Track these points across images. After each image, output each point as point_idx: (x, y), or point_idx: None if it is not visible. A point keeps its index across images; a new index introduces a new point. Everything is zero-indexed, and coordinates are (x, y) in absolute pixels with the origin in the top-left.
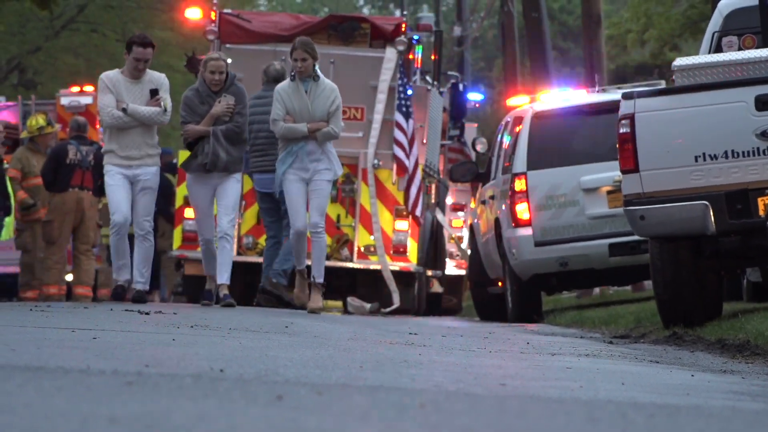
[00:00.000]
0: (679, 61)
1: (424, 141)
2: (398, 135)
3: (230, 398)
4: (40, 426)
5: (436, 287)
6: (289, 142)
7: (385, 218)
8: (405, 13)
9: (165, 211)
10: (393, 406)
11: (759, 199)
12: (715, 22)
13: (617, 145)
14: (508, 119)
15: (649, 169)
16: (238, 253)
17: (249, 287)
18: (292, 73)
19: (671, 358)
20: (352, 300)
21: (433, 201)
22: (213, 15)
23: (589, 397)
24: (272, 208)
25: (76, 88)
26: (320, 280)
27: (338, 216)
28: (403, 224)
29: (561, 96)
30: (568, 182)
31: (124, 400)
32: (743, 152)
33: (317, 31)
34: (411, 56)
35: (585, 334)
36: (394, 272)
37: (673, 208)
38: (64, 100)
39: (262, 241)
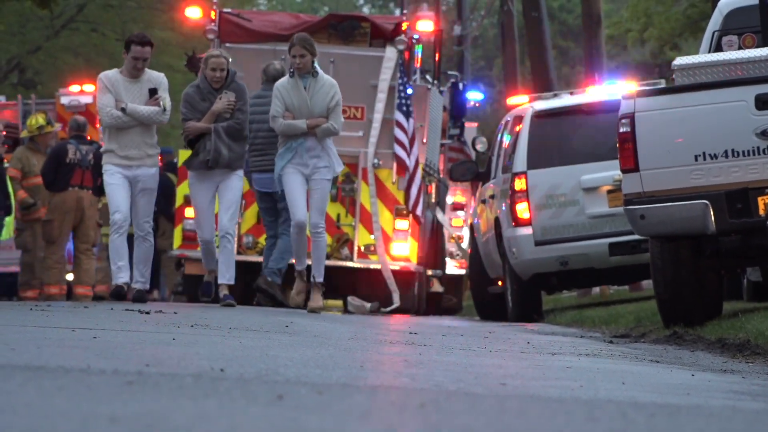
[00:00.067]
0: (679, 61)
1: (424, 140)
2: (399, 134)
3: (231, 398)
4: (41, 426)
5: (437, 287)
6: (288, 138)
7: (385, 217)
8: (405, 12)
9: (166, 211)
10: (393, 406)
11: (759, 199)
12: (715, 21)
13: (617, 145)
14: (508, 118)
15: (649, 168)
16: (238, 253)
17: (249, 287)
18: (291, 70)
19: (671, 358)
20: (352, 299)
21: (433, 200)
22: (213, 14)
23: (590, 397)
24: (271, 208)
25: (76, 87)
26: (320, 279)
27: (338, 215)
28: (403, 223)
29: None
30: (568, 181)
31: (125, 400)
32: (743, 151)
33: (317, 31)
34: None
35: (585, 333)
36: (394, 272)
37: (674, 207)
38: (64, 100)
39: (262, 240)
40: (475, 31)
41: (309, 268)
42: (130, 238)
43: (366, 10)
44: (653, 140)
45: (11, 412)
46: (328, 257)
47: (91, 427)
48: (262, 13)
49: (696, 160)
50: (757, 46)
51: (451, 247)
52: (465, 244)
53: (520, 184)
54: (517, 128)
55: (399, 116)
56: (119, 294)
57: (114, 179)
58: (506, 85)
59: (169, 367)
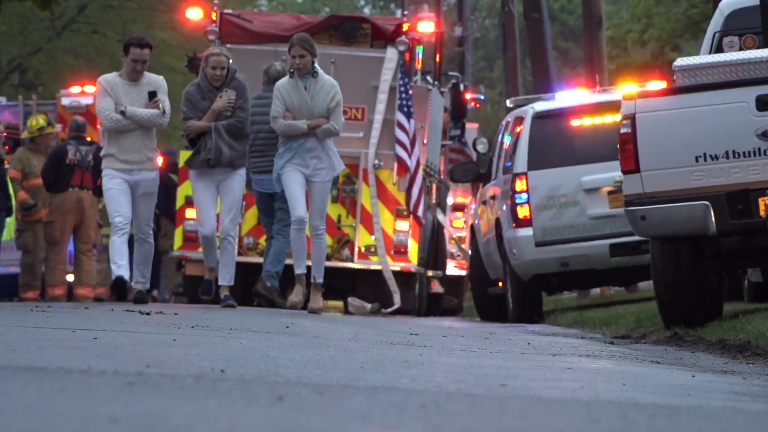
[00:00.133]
0: (680, 62)
1: (425, 141)
2: (400, 134)
3: (231, 398)
4: (42, 426)
5: (437, 287)
6: (288, 139)
7: (385, 218)
8: (406, 13)
9: (168, 211)
10: (394, 407)
11: (760, 200)
12: (716, 22)
13: (618, 146)
14: (509, 119)
15: (650, 169)
16: (239, 254)
17: (250, 288)
18: (291, 70)
19: (672, 359)
20: (352, 300)
21: (433, 201)
22: (214, 15)
23: (590, 398)
24: (271, 209)
25: (76, 88)
26: (320, 280)
27: (339, 216)
28: (403, 224)
29: (561, 96)
30: (569, 182)
31: (125, 401)
32: (744, 152)
33: (318, 32)
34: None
35: (586, 334)
36: (394, 272)
37: (674, 208)
38: (65, 101)
39: (262, 241)
40: (476, 32)
41: (308, 268)
42: (130, 240)
43: (367, 11)
44: (654, 141)
45: (12, 413)
46: (328, 258)
47: (92, 427)
48: (263, 14)
49: (697, 161)
50: (758, 47)
51: (451, 248)
52: (465, 245)
53: (520, 185)
54: (518, 129)
55: (400, 117)
56: (120, 284)
57: (113, 183)
58: (507, 85)
59: (169, 368)
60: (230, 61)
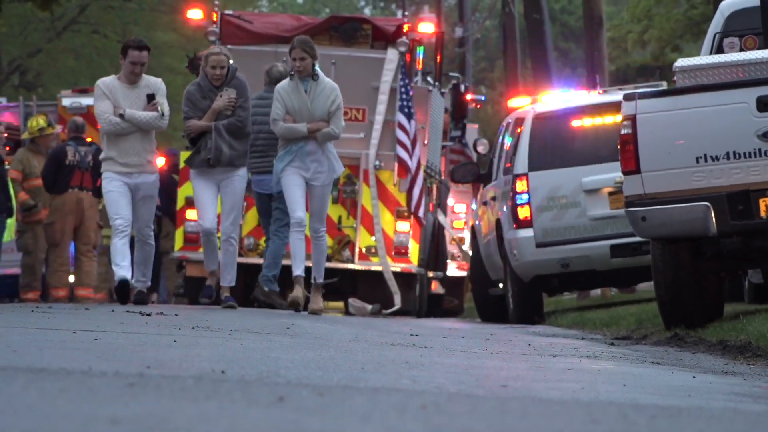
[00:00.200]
0: (681, 62)
1: (426, 142)
2: (401, 135)
3: (232, 399)
4: (42, 427)
5: (438, 288)
6: (288, 141)
7: (386, 219)
8: (406, 14)
9: (170, 212)
10: (394, 408)
11: (760, 200)
12: (716, 23)
13: (618, 146)
14: (510, 120)
15: (650, 170)
16: (239, 255)
17: (250, 288)
18: (291, 72)
19: (673, 360)
20: (353, 301)
21: (434, 202)
22: (214, 16)
23: (591, 399)
24: (270, 210)
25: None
26: (321, 281)
27: (339, 217)
28: (404, 225)
29: (562, 97)
30: (570, 183)
31: (126, 402)
32: (745, 153)
33: (319, 32)
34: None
35: (586, 335)
36: (395, 273)
37: (675, 209)
38: (66, 101)
39: (263, 242)
40: (476, 33)
41: (308, 269)
42: (132, 241)
43: (367, 12)
44: (654, 142)
45: (13, 414)
46: (329, 259)
47: (93, 428)
48: (263, 15)
49: (697, 162)
50: (759, 48)
51: (452, 248)
52: (466, 246)
53: (521, 186)
54: (519, 130)
55: (401, 118)
56: (123, 287)
57: (113, 186)
58: (507, 86)
59: (170, 369)
60: (230, 60)
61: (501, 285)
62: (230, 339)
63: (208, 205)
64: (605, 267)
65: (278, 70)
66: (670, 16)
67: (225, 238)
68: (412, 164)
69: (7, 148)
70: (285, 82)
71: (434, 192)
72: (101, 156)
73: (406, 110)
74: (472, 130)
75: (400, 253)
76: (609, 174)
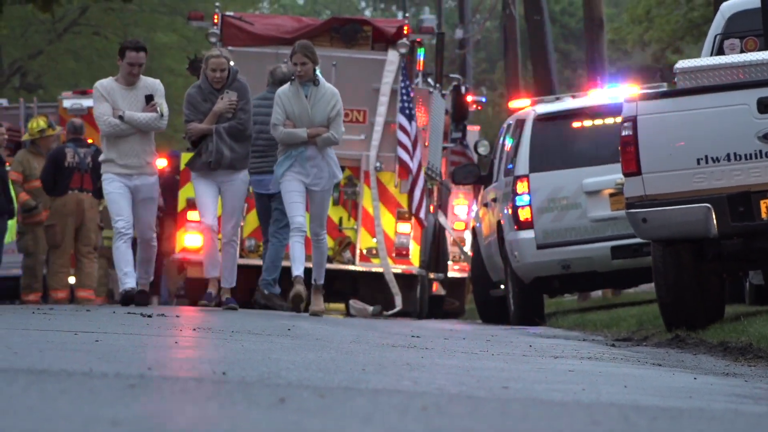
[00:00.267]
0: (682, 64)
1: (426, 143)
2: (401, 137)
3: (232, 401)
4: (43, 428)
5: (439, 290)
6: (288, 147)
7: (387, 221)
8: (407, 15)
9: (173, 213)
10: (395, 409)
11: (761, 202)
12: (717, 25)
13: (619, 148)
14: (510, 122)
15: (651, 171)
16: (240, 256)
17: (251, 290)
18: (292, 77)
19: (674, 361)
20: (354, 303)
21: (435, 203)
22: (215, 18)
23: (592, 400)
24: (269, 210)
25: (79, 96)
26: (321, 282)
27: (340, 219)
28: (405, 227)
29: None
30: (571, 185)
31: (127, 403)
32: (745, 155)
33: (319, 34)
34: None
35: (587, 336)
36: (396, 275)
37: (675, 210)
38: (67, 103)
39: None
40: (477, 34)
41: (307, 271)
42: (133, 243)
43: (368, 14)
44: (655, 143)
45: (14, 415)
46: (330, 260)
47: (93, 430)
48: (264, 17)
49: (698, 163)
50: (759, 50)
51: (453, 250)
52: (467, 248)
53: (522, 188)
54: (519, 132)
55: (402, 119)
56: (128, 299)
57: (113, 187)
58: (508, 88)
59: (171, 371)
60: (231, 62)
61: (502, 286)
62: (231, 340)
63: (209, 205)
64: (606, 268)
65: (282, 71)
66: (670, 17)
67: (226, 240)
68: (413, 166)
69: (8, 150)
70: (285, 87)
71: (435, 193)
72: (101, 158)
73: (406, 112)
74: (473, 131)
75: (401, 254)
76: (610, 175)
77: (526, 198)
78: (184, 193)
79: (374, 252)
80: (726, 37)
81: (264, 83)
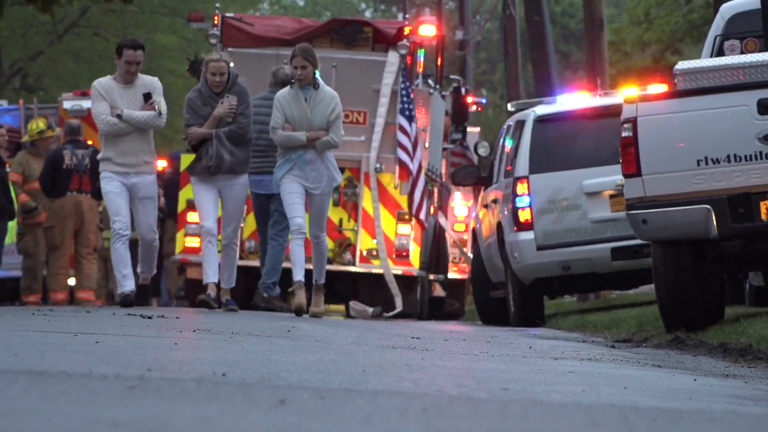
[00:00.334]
0: (682, 65)
1: (427, 145)
2: (402, 138)
3: (232, 402)
4: (43, 430)
5: (439, 291)
6: (288, 150)
7: (387, 222)
8: (407, 16)
9: (175, 215)
10: (395, 411)
11: (761, 203)
12: (717, 26)
13: (619, 149)
14: (511, 123)
15: (651, 173)
16: (240, 257)
17: (251, 291)
18: (292, 81)
19: (673, 363)
20: (354, 304)
21: (435, 205)
22: (216, 19)
23: (592, 402)
24: (267, 211)
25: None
26: (322, 281)
27: (340, 220)
28: (405, 228)
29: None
30: (571, 186)
31: (127, 404)
32: (746, 156)
33: (320, 35)
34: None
35: (587, 338)
36: (396, 276)
37: (676, 212)
38: (67, 104)
39: None
40: (477, 35)
41: (307, 272)
42: (133, 244)
43: (368, 15)
44: (655, 145)
45: (14, 417)
46: (330, 262)
47: (93, 431)
48: (264, 18)
49: (698, 164)
50: (759, 51)
51: (453, 251)
52: (467, 249)
53: (522, 189)
54: (520, 133)
55: (402, 120)
56: (127, 302)
57: (111, 186)
58: (508, 89)
59: (171, 372)
60: (231, 65)
61: (502, 288)
62: (231, 342)
63: (210, 209)
64: (606, 270)
65: (284, 73)
66: (669, 18)
67: (226, 243)
68: (413, 167)
69: (9, 152)
70: (285, 90)
71: (435, 195)
72: (99, 156)
73: (406, 113)
74: (473, 132)
75: (401, 255)
76: (610, 177)
77: (526, 199)
78: (184, 195)
79: (374, 253)
80: (726, 38)
81: (264, 84)
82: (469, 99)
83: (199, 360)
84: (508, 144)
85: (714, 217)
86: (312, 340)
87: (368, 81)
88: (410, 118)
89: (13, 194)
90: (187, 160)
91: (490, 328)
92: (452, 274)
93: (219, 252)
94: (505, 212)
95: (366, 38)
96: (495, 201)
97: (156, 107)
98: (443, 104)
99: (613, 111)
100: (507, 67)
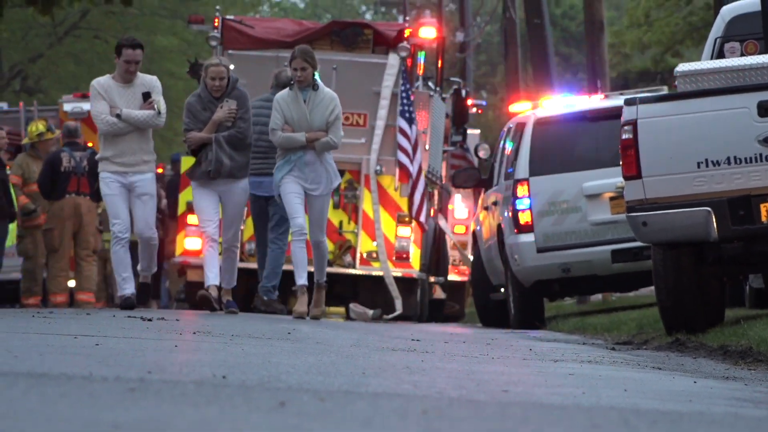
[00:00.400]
0: (682, 67)
1: (427, 147)
2: (402, 141)
3: (233, 405)
4: None
5: (439, 293)
6: (287, 151)
7: (387, 224)
8: (407, 18)
9: (176, 215)
10: (396, 413)
11: (761, 206)
12: (717, 28)
13: (620, 151)
14: (511, 125)
15: (651, 175)
16: (240, 260)
17: (251, 294)
18: (291, 82)
19: (674, 365)
20: (354, 306)
21: (435, 207)
22: (216, 21)
23: (592, 404)
24: (264, 213)
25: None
26: (323, 280)
27: (340, 222)
28: (405, 230)
29: (563, 102)
30: (571, 188)
31: (127, 407)
32: (746, 158)
33: (320, 37)
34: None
35: (587, 340)
36: (396, 278)
37: (676, 214)
38: (67, 107)
39: None
40: (477, 38)
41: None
42: (133, 246)
43: (368, 17)
44: (655, 147)
45: (14, 419)
46: (330, 264)
47: None
48: (264, 20)
49: (698, 167)
50: (760, 53)
51: (453, 253)
52: (468, 251)
53: (522, 191)
54: (520, 135)
55: (402, 123)
56: (128, 305)
57: (111, 189)
58: (509, 91)
59: (171, 374)
60: (232, 67)
61: (502, 290)
62: (231, 344)
63: (210, 214)
64: (606, 272)
65: (286, 75)
66: (669, 20)
67: (227, 246)
68: (413, 169)
69: (9, 154)
70: (284, 92)
71: (435, 197)
72: (98, 156)
73: (407, 115)
74: (473, 135)
75: (401, 258)
76: (610, 179)
77: (526, 201)
78: (184, 197)
79: (374, 255)
80: (726, 40)
81: (264, 87)
82: (470, 101)
83: (199, 362)
84: (509, 146)
85: (714, 220)
86: (312, 342)
87: (368, 83)
88: (410, 121)
89: (13, 196)
90: (187, 162)
91: (490, 331)
92: (452, 277)
93: (219, 254)
94: (506, 214)
95: (366, 40)
96: (495, 203)
97: (155, 106)
98: (443, 106)
99: (614, 113)
100: (507, 70)
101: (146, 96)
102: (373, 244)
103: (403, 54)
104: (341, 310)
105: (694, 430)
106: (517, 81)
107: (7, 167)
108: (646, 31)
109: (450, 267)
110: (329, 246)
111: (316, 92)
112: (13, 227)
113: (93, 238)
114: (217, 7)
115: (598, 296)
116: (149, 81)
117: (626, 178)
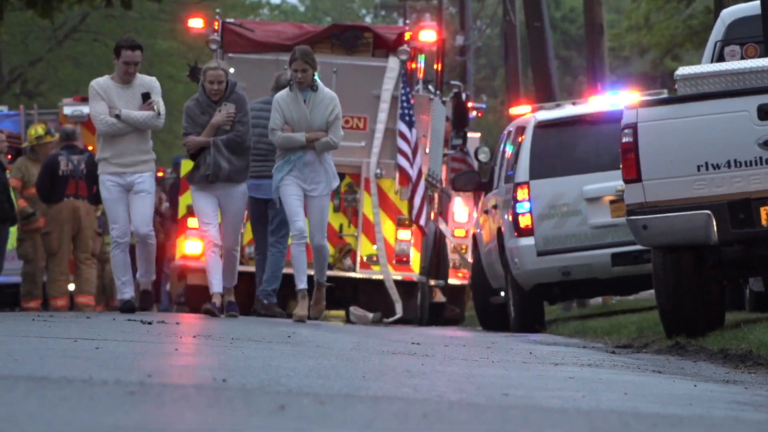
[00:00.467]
0: (682, 71)
1: (427, 150)
2: (402, 144)
3: (233, 408)
4: None
5: (439, 297)
6: (287, 151)
7: (387, 228)
8: (407, 22)
9: (177, 217)
10: (396, 416)
11: (762, 209)
12: (717, 32)
13: (620, 155)
14: (511, 128)
15: (651, 178)
16: (240, 263)
17: (251, 297)
18: (291, 83)
19: (674, 368)
20: (354, 310)
21: (435, 210)
22: (216, 24)
23: (592, 407)
24: (263, 216)
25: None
26: (323, 280)
27: (341, 226)
28: (405, 234)
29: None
30: (571, 191)
31: (127, 410)
32: (746, 162)
33: (320, 41)
34: (414, 65)
35: (587, 343)
36: (396, 282)
37: (676, 217)
38: (67, 110)
39: None
40: (477, 41)
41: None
42: (132, 249)
43: (369, 21)
44: (656, 150)
45: (14, 422)
46: (330, 268)
47: None
48: (265, 23)
49: (698, 170)
50: (760, 56)
51: (454, 257)
52: (468, 254)
53: (522, 194)
54: (520, 138)
55: (402, 126)
56: (128, 308)
57: (111, 193)
58: (509, 94)
59: (171, 378)
60: (231, 71)
61: (502, 293)
62: (231, 348)
63: (210, 216)
64: (606, 275)
65: (287, 78)
66: (669, 23)
67: (227, 250)
68: (413, 173)
69: (9, 156)
70: (284, 92)
71: (435, 200)
72: (97, 157)
73: (407, 118)
74: (473, 138)
75: (402, 261)
76: (610, 182)
77: (526, 205)
78: (184, 200)
79: (375, 259)
80: (726, 43)
81: (264, 90)
82: (470, 104)
83: (199, 366)
84: (509, 149)
85: (714, 223)
86: (312, 345)
87: (368, 86)
88: (410, 124)
89: (13, 199)
90: (186, 166)
91: (490, 334)
92: (452, 280)
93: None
94: (506, 217)
95: (366, 44)
96: (495, 206)
97: (155, 107)
98: (443, 110)
99: (614, 117)
100: (507, 73)
101: (145, 97)
102: (373, 248)
103: (403, 57)
104: (341, 313)
105: None
106: (517, 84)
107: (7, 171)
108: (646, 34)
109: (450, 270)
110: (329, 249)
111: (316, 92)
112: (13, 230)
113: (92, 241)
114: (218, 10)
115: (599, 299)
116: (148, 82)
117: (626, 181)
